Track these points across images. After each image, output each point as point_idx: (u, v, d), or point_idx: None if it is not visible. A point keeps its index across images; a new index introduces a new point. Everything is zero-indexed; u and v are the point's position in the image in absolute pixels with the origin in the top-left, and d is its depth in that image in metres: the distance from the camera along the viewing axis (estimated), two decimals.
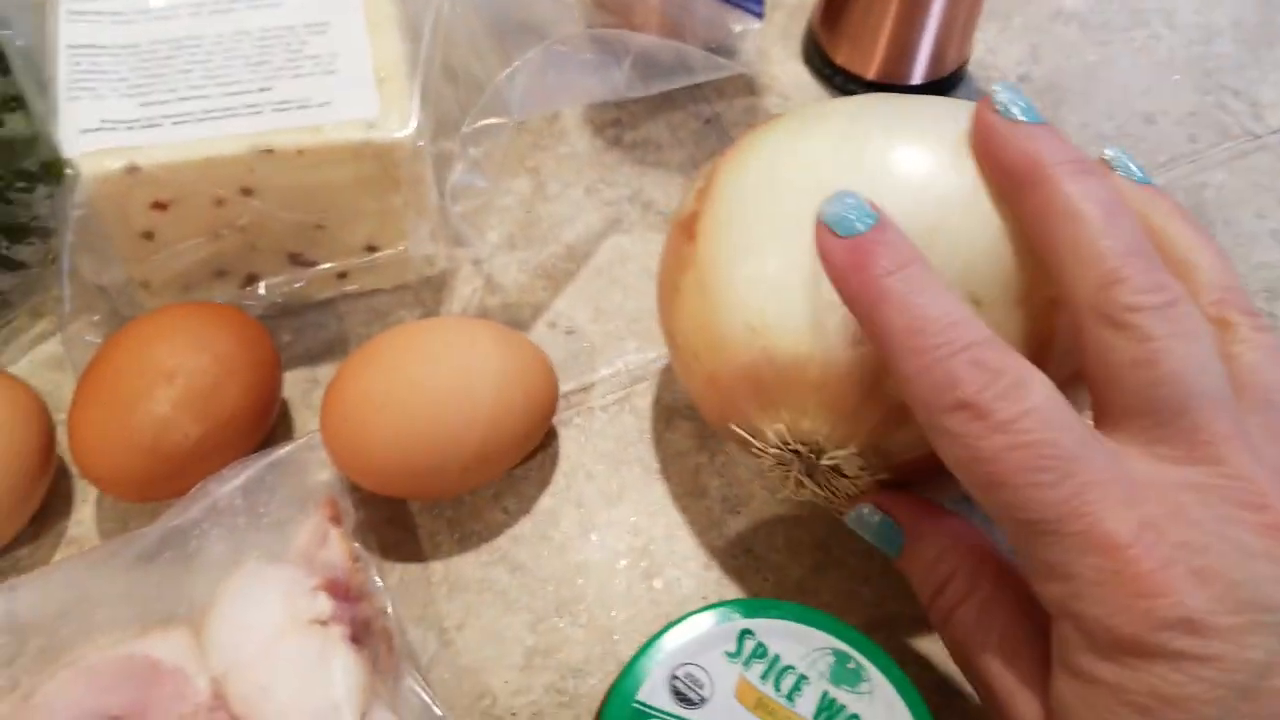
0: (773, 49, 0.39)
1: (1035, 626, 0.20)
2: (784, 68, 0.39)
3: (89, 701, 0.24)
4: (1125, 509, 0.17)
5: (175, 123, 0.27)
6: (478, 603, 0.28)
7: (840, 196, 0.21)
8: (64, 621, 0.25)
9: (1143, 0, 0.42)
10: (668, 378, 0.32)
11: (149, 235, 0.29)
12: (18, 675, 0.25)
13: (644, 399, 0.32)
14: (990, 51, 0.40)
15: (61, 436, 0.29)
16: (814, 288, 0.23)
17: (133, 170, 0.27)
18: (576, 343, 0.33)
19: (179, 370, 0.27)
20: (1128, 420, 0.19)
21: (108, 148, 0.27)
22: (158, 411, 0.26)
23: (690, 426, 0.31)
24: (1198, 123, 0.39)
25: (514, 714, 0.27)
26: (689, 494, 0.30)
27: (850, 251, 0.20)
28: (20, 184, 0.31)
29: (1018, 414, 0.18)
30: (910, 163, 0.23)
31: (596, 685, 0.27)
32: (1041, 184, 0.20)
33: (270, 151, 0.27)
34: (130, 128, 0.27)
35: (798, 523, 0.30)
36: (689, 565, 0.29)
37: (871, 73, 0.37)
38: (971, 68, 0.39)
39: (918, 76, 0.37)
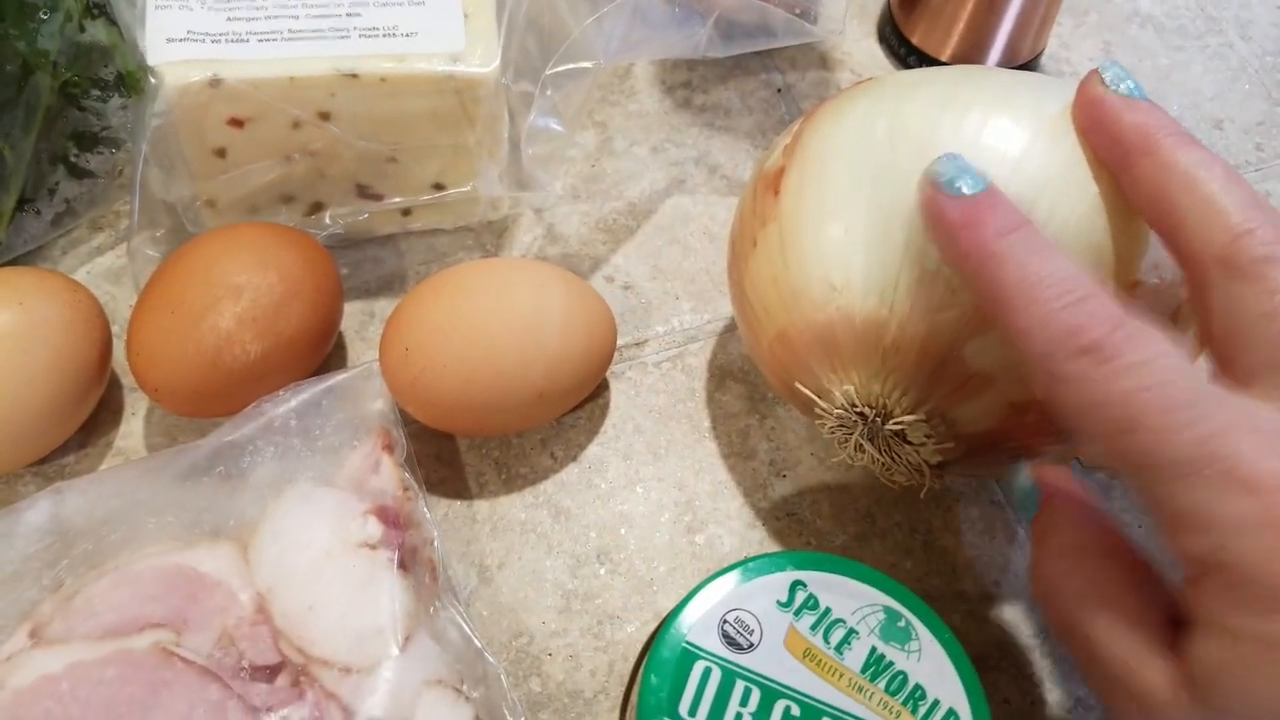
0: (848, 25, 0.39)
1: (1149, 597, 0.20)
2: (858, 44, 0.39)
3: (131, 607, 0.24)
4: (1268, 450, 0.17)
5: (261, 40, 0.27)
6: (520, 544, 0.28)
7: (951, 158, 0.21)
8: (111, 527, 0.26)
9: (1220, 9, 0.42)
10: (722, 339, 0.32)
11: (222, 153, 0.29)
12: (62, 576, 0.25)
13: (697, 359, 0.32)
14: (1064, 46, 0.40)
15: (116, 349, 0.29)
16: (900, 251, 0.23)
17: (215, 83, 0.27)
18: (633, 298, 0.33)
19: (245, 287, 0.27)
20: (1253, 376, 0.19)
21: (192, 59, 0.27)
22: (221, 325, 0.26)
23: (742, 389, 0.31)
24: (1265, 132, 0.39)
25: (550, 654, 0.27)
26: (736, 454, 0.30)
27: (962, 211, 0.20)
28: (95, 92, 0.31)
29: (1148, 357, 0.18)
30: (1008, 136, 0.23)
31: (634, 633, 0.27)
32: (1156, 151, 0.20)
33: (354, 76, 0.27)
34: (216, 41, 0.27)
35: (844, 491, 0.29)
36: (732, 524, 0.29)
37: (946, 55, 0.37)
38: (1044, 60, 0.39)
39: (991, 63, 0.37)
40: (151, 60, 0.27)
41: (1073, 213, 0.22)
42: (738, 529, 0.29)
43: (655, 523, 0.29)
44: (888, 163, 0.23)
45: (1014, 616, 0.28)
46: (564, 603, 0.27)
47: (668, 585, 0.28)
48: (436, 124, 0.29)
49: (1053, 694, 0.27)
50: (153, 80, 0.27)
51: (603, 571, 0.28)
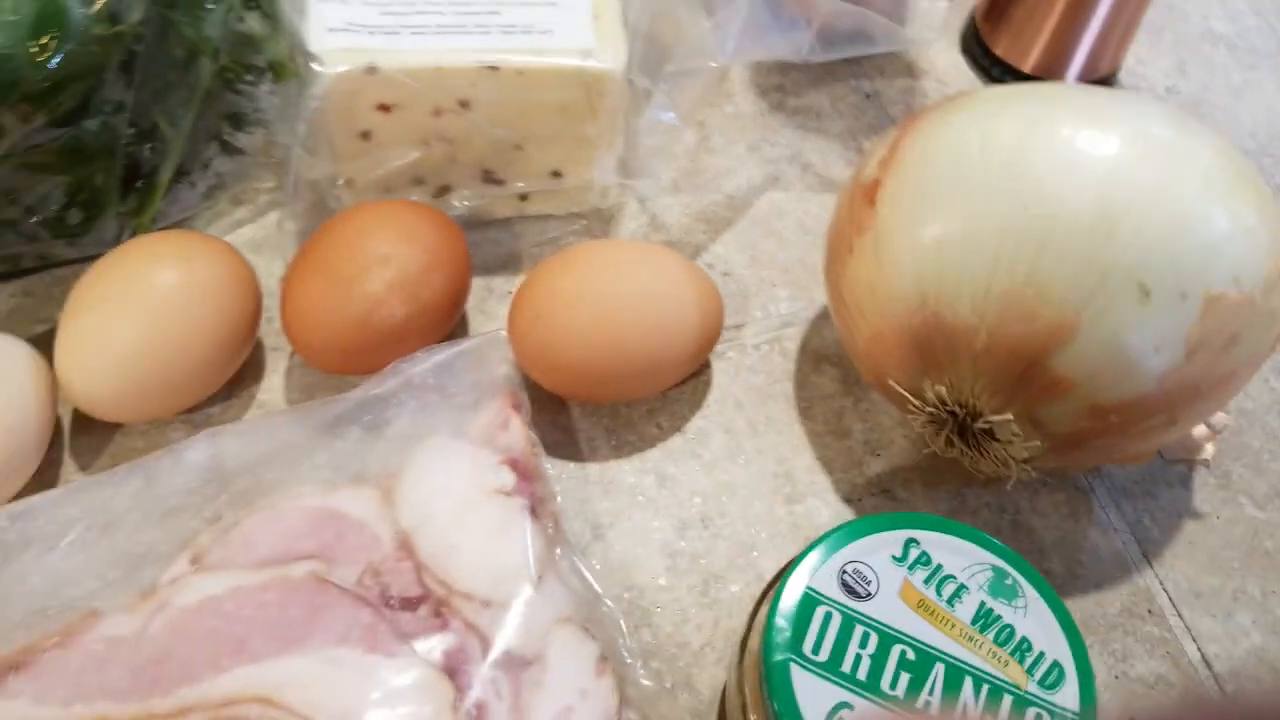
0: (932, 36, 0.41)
1: None
2: (943, 55, 0.41)
3: (284, 542, 0.27)
4: None
5: (413, 33, 0.30)
6: (629, 505, 0.30)
7: None
8: (268, 467, 0.28)
9: None
10: (816, 325, 0.34)
11: (367, 135, 0.31)
12: (220, 510, 0.27)
13: (793, 342, 0.34)
14: (1140, 62, 0.42)
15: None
16: (992, 262, 0.24)
17: (371, 70, 0.29)
18: (732, 284, 0.35)
19: (393, 256, 0.29)
20: None
21: (351, 47, 0.29)
22: (372, 290, 0.29)
23: (836, 372, 0.33)
24: None
25: (659, 608, 0.29)
26: (832, 433, 0.32)
27: None
28: (249, 77, 0.34)
29: None
30: (1099, 150, 0.24)
31: (738, 592, 0.29)
32: None
33: (495, 69, 0.30)
34: (371, 33, 0.30)
35: (935, 471, 0.31)
36: (828, 497, 0.31)
37: (1028, 66, 0.39)
38: (1122, 75, 0.41)
39: (1072, 76, 0.39)
40: (313, 47, 0.29)
41: (1158, 228, 0.24)
42: (834, 502, 0.31)
43: (756, 492, 0.31)
44: (981, 177, 0.25)
45: (1099, 595, 0.29)
46: (671, 562, 0.29)
47: (769, 550, 0.30)
48: (563, 115, 0.31)
49: (1136, 669, 0.28)
50: (314, 66, 0.29)
51: (707, 535, 0.30)
